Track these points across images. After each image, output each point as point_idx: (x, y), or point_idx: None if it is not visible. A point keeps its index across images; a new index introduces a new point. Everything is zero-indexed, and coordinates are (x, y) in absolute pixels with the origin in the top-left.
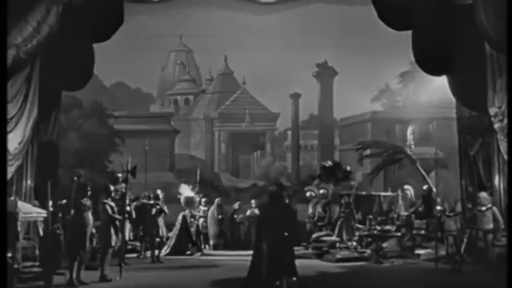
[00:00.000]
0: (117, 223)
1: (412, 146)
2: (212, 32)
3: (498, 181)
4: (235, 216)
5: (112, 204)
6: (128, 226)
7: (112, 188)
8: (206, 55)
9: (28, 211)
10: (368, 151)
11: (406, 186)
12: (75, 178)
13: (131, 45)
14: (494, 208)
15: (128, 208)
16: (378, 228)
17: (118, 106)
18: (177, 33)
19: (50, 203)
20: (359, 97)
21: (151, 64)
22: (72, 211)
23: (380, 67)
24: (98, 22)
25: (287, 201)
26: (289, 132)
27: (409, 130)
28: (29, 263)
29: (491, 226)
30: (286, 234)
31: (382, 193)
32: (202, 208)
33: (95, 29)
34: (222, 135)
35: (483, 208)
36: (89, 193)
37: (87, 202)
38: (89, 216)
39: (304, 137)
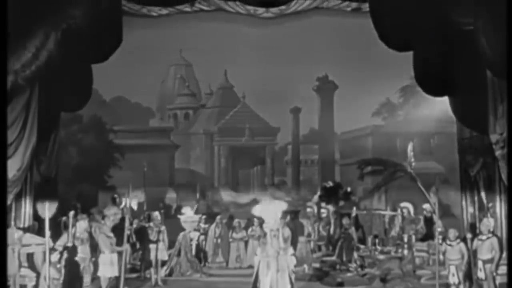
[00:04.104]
0: (117, 254)
1: (413, 164)
2: (212, 46)
3: (499, 208)
4: (234, 233)
5: (111, 234)
6: (128, 249)
7: (111, 218)
8: (206, 69)
9: (27, 242)
10: (369, 168)
11: (403, 204)
12: (72, 212)
13: (130, 59)
14: (494, 238)
15: (128, 232)
16: (379, 248)
17: (118, 120)
18: (176, 47)
19: (51, 241)
20: (360, 111)
21: (150, 78)
22: (70, 244)
23: (381, 81)
24: (97, 44)
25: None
26: (290, 147)
27: (410, 147)
28: None
29: (489, 255)
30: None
31: (383, 212)
32: (202, 225)
33: (94, 51)
34: (222, 150)
35: (484, 237)
36: (86, 225)
37: (83, 235)
38: (86, 248)
39: (304, 151)
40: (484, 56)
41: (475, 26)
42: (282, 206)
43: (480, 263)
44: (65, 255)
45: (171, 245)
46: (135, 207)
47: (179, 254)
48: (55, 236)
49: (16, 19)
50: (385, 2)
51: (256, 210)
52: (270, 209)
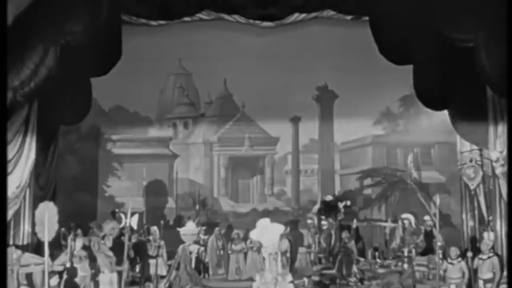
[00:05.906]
0: (116, 273)
1: (413, 175)
2: (211, 54)
3: (499, 225)
4: (233, 245)
5: (111, 254)
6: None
7: (111, 237)
8: (205, 78)
9: (26, 262)
10: (369, 179)
11: (405, 215)
12: (72, 234)
13: (129, 69)
14: (495, 258)
15: (126, 248)
16: (379, 262)
17: (116, 129)
18: (176, 56)
19: (50, 261)
20: (360, 120)
21: (149, 87)
22: (68, 264)
23: (381, 90)
24: (96, 59)
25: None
26: (289, 156)
27: (410, 158)
28: None
29: (490, 275)
30: None
31: (383, 224)
32: (202, 237)
33: (93, 66)
34: (222, 159)
35: (484, 257)
36: (83, 243)
37: (81, 252)
38: (86, 266)
39: (304, 161)
40: (484, 73)
41: (475, 43)
42: (280, 229)
43: (480, 283)
44: (65, 276)
45: (170, 256)
46: (135, 226)
47: (178, 268)
48: (55, 247)
49: (15, 36)
50: (385, 16)
51: (254, 234)
52: (268, 233)
